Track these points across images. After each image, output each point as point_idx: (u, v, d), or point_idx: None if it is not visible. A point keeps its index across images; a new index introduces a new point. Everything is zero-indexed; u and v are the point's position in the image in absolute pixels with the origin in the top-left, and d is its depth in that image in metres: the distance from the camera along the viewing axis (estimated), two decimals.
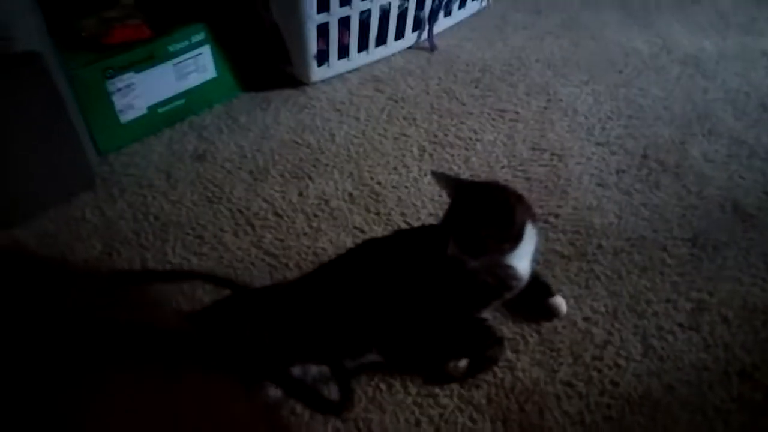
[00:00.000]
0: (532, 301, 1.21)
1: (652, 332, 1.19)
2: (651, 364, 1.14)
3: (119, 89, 1.64)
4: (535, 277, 1.19)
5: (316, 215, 1.47)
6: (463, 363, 1.13)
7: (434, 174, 1.14)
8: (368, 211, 1.48)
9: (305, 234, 1.43)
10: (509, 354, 1.17)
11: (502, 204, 1.05)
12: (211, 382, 1.13)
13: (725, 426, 1.05)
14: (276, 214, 1.49)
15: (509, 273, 1.09)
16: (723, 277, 1.28)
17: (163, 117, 1.76)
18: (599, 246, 1.35)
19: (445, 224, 1.09)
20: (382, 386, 1.13)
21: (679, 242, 1.36)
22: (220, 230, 1.45)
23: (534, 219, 1.11)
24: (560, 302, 1.21)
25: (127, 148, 1.70)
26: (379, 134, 1.70)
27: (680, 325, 1.20)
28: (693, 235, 1.37)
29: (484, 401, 1.10)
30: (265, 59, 1.94)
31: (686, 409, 1.07)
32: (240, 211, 1.50)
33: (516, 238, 1.06)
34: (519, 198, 1.10)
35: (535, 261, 1.14)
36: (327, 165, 1.62)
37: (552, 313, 1.21)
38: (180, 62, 1.72)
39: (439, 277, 1.08)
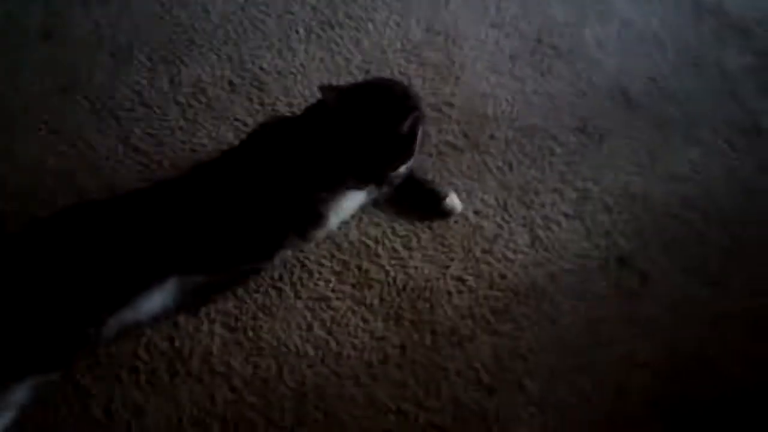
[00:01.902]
0: (425, 207, 1.19)
1: (539, 223, 1.22)
2: (537, 255, 1.17)
3: None
4: (421, 182, 1.19)
5: (191, 106, 1.34)
6: None
7: (321, 89, 1.06)
8: (251, 100, 1.36)
9: (180, 128, 1.30)
10: (402, 251, 1.15)
11: (396, 127, 1.04)
12: None
13: (604, 311, 1.11)
14: (144, 104, 1.33)
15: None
16: (607, 165, 1.32)
17: None
18: (491, 136, 1.34)
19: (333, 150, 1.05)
20: (272, 292, 1.10)
21: (568, 131, 1.36)
22: (79, 125, 1.29)
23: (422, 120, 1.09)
24: (454, 202, 1.20)
25: None
26: (261, 11, 1.53)
27: (565, 214, 1.23)
28: (582, 124, 1.38)
29: (376, 301, 1.10)
30: None
31: (568, 296, 1.13)
32: (101, 102, 1.33)
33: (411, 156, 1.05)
34: (413, 108, 1.06)
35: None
36: (202, 47, 1.45)
37: (447, 214, 1.19)
38: None
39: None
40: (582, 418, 1.00)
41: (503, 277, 1.14)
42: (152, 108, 1.32)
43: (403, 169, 1.12)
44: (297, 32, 1.50)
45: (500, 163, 1.30)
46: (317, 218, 1.09)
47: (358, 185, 1.09)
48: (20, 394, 0.92)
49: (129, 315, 0.99)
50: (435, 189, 1.20)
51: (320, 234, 1.12)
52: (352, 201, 1.14)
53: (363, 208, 1.19)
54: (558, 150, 1.33)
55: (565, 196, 1.26)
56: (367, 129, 1.04)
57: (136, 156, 1.25)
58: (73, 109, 1.31)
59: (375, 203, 1.19)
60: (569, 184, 1.28)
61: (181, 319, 1.06)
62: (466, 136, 1.33)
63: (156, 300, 1.01)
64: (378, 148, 1.05)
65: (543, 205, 1.24)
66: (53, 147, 1.25)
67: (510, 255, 1.17)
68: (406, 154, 1.09)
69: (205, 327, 1.05)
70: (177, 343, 1.04)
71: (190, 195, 1.05)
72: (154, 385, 0.99)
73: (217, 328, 1.06)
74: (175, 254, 1.00)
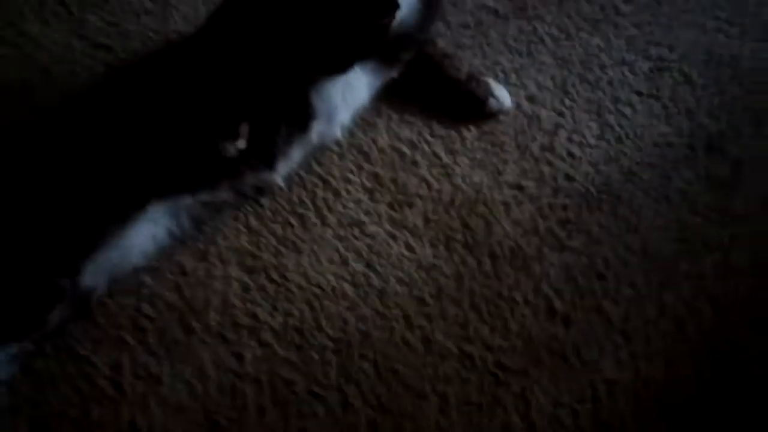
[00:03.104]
0: (464, 112, 0.98)
1: (607, 106, 1.02)
2: (609, 148, 0.99)
3: None
4: (453, 81, 0.97)
5: None
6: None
7: None
8: None
9: (148, 12, 1.04)
10: (444, 157, 0.96)
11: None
12: None
13: (692, 211, 0.95)
14: None
15: None
16: (684, 23, 1.09)
17: None
18: None
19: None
20: (293, 220, 0.92)
21: None
22: (21, 15, 1.03)
23: None
24: (501, 99, 0.98)
25: None
26: None
27: (638, 92, 1.04)
28: None
29: (419, 222, 0.92)
30: None
31: (650, 196, 0.96)
32: None
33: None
34: None
35: None
36: None
37: (495, 114, 0.98)
38: None
39: None
40: (676, 344, 0.87)
41: (570, 179, 0.96)
42: None
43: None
44: None
45: (555, 31, 1.07)
46: (303, 106, 0.89)
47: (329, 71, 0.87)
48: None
49: (114, 257, 0.82)
50: (472, 90, 0.98)
51: (322, 127, 0.91)
52: (350, 86, 0.92)
53: (381, 98, 0.98)
54: (624, 8, 1.10)
55: (637, 68, 1.05)
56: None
57: (97, 53, 1.02)
58: None
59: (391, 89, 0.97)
60: (641, 52, 1.06)
61: (188, 261, 0.88)
62: None
63: (141, 233, 0.84)
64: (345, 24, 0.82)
65: (611, 83, 1.03)
66: None
67: (575, 150, 0.98)
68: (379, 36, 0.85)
69: (218, 270, 0.88)
70: (187, 293, 0.87)
71: (152, 95, 0.85)
72: (167, 348, 0.84)
73: (233, 271, 0.89)
74: (150, 172, 0.82)
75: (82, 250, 0.80)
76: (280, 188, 0.92)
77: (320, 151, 0.95)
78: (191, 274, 0.88)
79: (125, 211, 0.82)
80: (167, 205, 0.85)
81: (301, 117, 0.89)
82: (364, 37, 0.83)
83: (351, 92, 0.92)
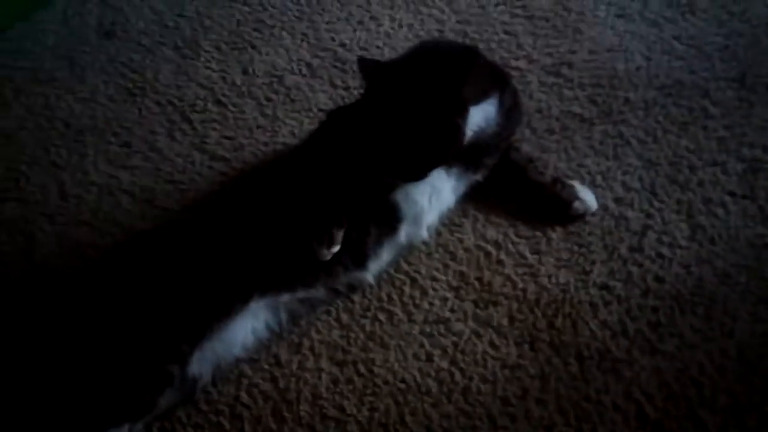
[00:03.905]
0: (550, 214, 1.02)
1: (698, 207, 1.02)
2: (700, 249, 0.98)
3: None
4: (539, 185, 1.01)
5: (269, 99, 1.21)
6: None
7: (361, 62, 0.95)
8: (334, 85, 1.22)
9: (259, 127, 1.18)
10: (529, 257, 0.99)
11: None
12: None
13: None
14: (218, 102, 1.22)
15: None
16: None
17: None
18: (626, 101, 1.13)
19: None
20: (381, 316, 0.97)
21: (724, 83, 1.14)
22: (151, 132, 1.20)
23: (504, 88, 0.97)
24: (586, 202, 1.01)
25: (11, 32, 1.37)
26: None
27: (731, 193, 1.03)
28: (740, 73, 1.15)
29: (505, 321, 0.95)
30: None
31: (747, 300, 0.93)
32: (171, 104, 1.23)
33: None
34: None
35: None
36: (273, 27, 1.32)
37: (581, 216, 1.01)
38: None
39: None
40: None
41: (660, 280, 0.96)
42: (227, 106, 1.21)
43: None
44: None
45: (641, 134, 1.09)
46: (392, 209, 0.96)
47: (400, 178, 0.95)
48: None
49: (218, 348, 0.91)
50: (557, 193, 1.01)
51: (409, 229, 0.98)
52: (436, 190, 0.99)
53: (467, 199, 1.04)
54: (713, 110, 1.11)
55: (729, 169, 1.05)
56: (406, 118, 0.90)
57: (215, 164, 1.15)
58: (143, 116, 1.22)
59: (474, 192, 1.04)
60: (732, 153, 1.06)
61: (284, 354, 0.95)
62: (594, 103, 1.14)
63: (244, 327, 0.92)
64: (417, 139, 0.90)
65: (701, 184, 1.03)
66: (126, 161, 1.16)
67: (665, 251, 0.98)
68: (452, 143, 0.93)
69: (310, 363, 0.95)
70: (281, 384, 0.93)
71: (257, 204, 0.96)
72: None
73: (324, 363, 0.94)
74: (252, 270, 0.91)
75: (191, 340, 0.89)
76: (370, 285, 0.99)
77: (408, 251, 1.01)
78: (286, 365, 0.95)
79: (230, 306, 0.91)
80: (267, 302, 0.93)
81: (390, 220, 0.96)
82: (437, 145, 0.92)
83: (437, 196, 0.99)
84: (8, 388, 0.86)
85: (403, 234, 0.98)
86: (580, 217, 1.01)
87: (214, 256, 0.91)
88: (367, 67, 0.96)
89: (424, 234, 1.00)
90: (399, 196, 0.96)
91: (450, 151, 0.93)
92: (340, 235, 0.89)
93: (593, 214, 1.02)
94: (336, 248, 0.89)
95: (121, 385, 0.86)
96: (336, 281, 0.96)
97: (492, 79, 0.99)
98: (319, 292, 0.96)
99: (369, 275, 0.98)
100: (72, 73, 1.29)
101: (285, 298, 0.94)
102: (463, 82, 0.90)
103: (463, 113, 0.92)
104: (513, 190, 1.04)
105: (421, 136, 0.90)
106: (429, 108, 0.90)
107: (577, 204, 1.00)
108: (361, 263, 0.96)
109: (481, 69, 0.95)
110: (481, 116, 0.95)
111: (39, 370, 0.86)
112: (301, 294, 0.95)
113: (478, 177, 1.02)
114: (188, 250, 0.92)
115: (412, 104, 0.90)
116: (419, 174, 0.93)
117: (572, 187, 1.02)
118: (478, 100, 0.94)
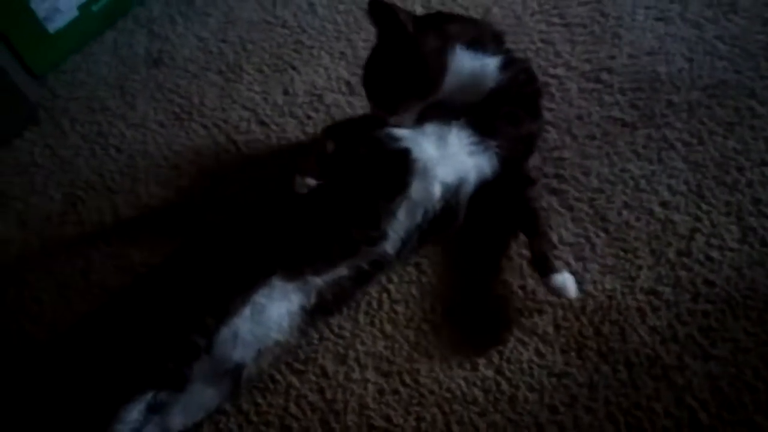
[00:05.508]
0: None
1: (748, 208, 1.01)
2: (752, 252, 0.97)
3: None
4: (534, 241, 0.99)
5: (309, 117, 1.26)
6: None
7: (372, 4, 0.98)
8: None
9: (301, 145, 1.22)
10: (574, 263, 1.00)
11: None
12: None
13: None
14: (261, 122, 1.27)
15: None
16: None
17: (100, 15, 1.49)
18: (669, 103, 1.13)
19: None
20: (425, 327, 0.99)
21: None
22: (198, 154, 1.25)
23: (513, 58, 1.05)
24: (566, 284, 0.93)
25: (66, 65, 1.47)
26: None
27: None
28: None
29: (550, 329, 0.96)
30: None
31: None
32: (217, 126, 1.29)
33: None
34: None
35: None
36: (312, 48, 1.36)
37: (555, 290, 0.94)
38: None
39: None
40: None
41: (710, 284, 0.95)
42: (269, 125, 1.26)
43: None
44: (414, 11, 1.36)
45: (686, 137, 1.09)
46: (399, 161, 0.99)
47: None
48: (135, 414, 0.88)
49: (256, 331, 0.94)
50: (547, 255, 0.96)
51: (418, 185, 0.97)
52: (441, 140, 1.01)
53: None
54: (760, 110, 1.10)
55: None
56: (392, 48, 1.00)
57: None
58: (190, 139, 1.28)
59: None
60: None
61: (329, 365, 0.98)
62: (635, 107, 1.14)
63: (278, 309, 0.95)
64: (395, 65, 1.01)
65: (750, 185, 1.02)
66: (176, 184, 1.22)
67: (715, 255, 0.97)
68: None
69: (356, 374, 0.97)
70: (328, 395, 0.96)
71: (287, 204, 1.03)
72: None
73: (370, 374, 0.97)
74: (272, 245, 0.96)
75: (216, 314, 0.92)
76: (393, 263, 1.01)
77: (424, 214, 0.99)
78: (332, 376, 0.98)
79: (253, 280, 0.94)
80: (297, 284, 0.95)
81: (398, 173, 0.98)
82: (409, 68, 0.98)
83: (444, 146, 1.00)
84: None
85: (414, 189, 0.97)
86: (554, 293, 0.94)
87: (237, 235, 0.99)
88: (378, 10, 0.99)
89: (437, 191, 0.98)
90: (405, 145, 0.98)
91: (422, 76, 0.98)
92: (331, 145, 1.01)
93: (638, 218, 1.02)
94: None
95: (147, 351, 0.90)
96: (356, 256, 0.97)
97: (498, 41, 1.05)
98: (342, 270, 0.97)
99: (389, 246, 0.98)
100: (123, 101, 1.37)
101: (312, 279, 0.96)
102: (449, 20, 1.01)
103: (444, 44, 0.98)
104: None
105: (397, 60, 0.98)
106: (411, 37, 0.97)
107: (558, 277, 0.93)
108: (376, 224, 0.96)
109: (480, 25, 1.08)
110: (476, 64, 1.00)
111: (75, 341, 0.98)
112: (325, 275, 0.96)
113: (494, 143, 1.00)
114: (213, 235, 1.02)
115: (399, 37, 0.98)
116: (393, 100, 0.99)
117: (560, 265, 0.97)
118: (470, 46, 1.00)
